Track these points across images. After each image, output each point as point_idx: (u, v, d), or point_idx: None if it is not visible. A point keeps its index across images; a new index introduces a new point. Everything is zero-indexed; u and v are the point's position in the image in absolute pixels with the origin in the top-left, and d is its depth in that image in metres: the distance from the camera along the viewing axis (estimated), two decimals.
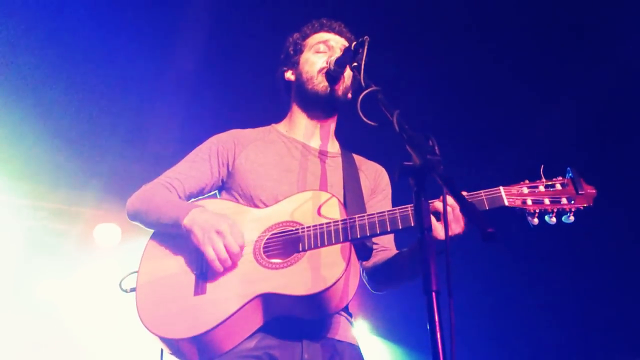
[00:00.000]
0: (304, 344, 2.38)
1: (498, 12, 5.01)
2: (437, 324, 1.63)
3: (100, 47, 5.23)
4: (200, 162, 2.75)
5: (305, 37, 2.93)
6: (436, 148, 1.82)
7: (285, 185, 2.62)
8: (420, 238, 1.74)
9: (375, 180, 2.87)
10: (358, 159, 2.90)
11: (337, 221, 2.40)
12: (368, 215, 2.40)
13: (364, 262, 2.67)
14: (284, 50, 2.98)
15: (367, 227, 2.37)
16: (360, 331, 7.96)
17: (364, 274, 2.69)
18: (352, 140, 2.95)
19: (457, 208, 2.27)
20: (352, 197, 2.62)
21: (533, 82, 5.42)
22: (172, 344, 2.36)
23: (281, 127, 2.92)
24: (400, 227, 2.36)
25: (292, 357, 2.36)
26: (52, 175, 6.08)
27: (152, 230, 2.65)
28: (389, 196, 2.87)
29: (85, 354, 6.16)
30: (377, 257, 2.67)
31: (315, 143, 2.83)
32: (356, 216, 2.41)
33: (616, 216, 5.56)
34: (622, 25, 5.00)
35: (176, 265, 2.47)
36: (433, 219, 2.25)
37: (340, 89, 2.79)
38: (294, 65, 2.90)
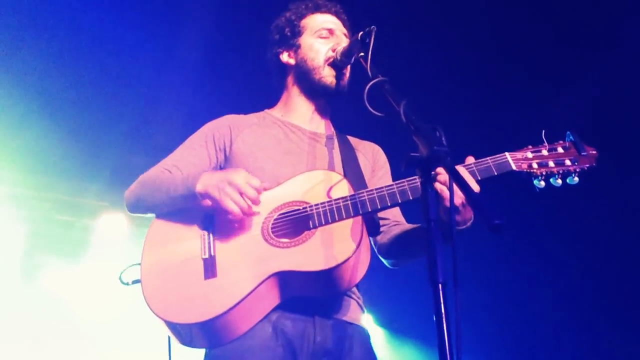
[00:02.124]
0: (316, 323, 2.38)
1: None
2: (443, 316, 1.63)
3: (105, 40, 5.23)
4: (197, 149, 2.72)
5: (302, 17, 2.86)
6: (443, 139, 1.81)
7: (286, 168, 2.60)
8: (427, 229, 1.74)
9: (374, 158, 2.87)
10: (353, 140, 2.88)
11: (346, 197, 2.38)
12: (376, 189, 2.40)
13: (377, 238, 2.68)
14: (277, 30, 2.90)
15: (377, 200, 2.36)
16: (366, 322, 7.96)
17: (380, 249, 2.68)
18: (344, 124, 2.93)
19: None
20: (353, 176, 2.61)
21: (538, 68, 5.42)
22: (186, 330, 2.34)
23: (275, 112, 2.88)
24: (410, 198, 2.35)
25: (303, 336, 2.35)
26: (57, 167, 6.08)
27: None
28: (389, 172, 2.87)
29: (90, 346, 6.18)
30: (392, 232, 2.65)
31: (311, 126, 2.81)
32: (364, 191, 2.40)
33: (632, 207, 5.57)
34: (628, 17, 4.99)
35: (181, 252, 2.44)
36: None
37: (346, 79, 2.77)
38: (293, 47, 2.84)
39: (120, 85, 5.53)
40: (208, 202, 2.39)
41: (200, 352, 2.49)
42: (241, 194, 2.34)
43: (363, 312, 2.64)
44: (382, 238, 2.67)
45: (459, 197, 2.22)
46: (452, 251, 1.67)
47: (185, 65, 5.49)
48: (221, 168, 2.71)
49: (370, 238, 2.60)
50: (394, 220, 2.71)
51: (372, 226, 2.54)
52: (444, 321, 1.62)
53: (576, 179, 2.36)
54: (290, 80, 2.87)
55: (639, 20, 4.95)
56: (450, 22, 5.10)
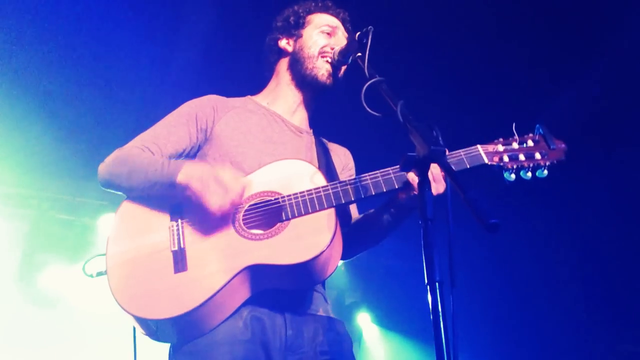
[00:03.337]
0: (286, 318, 2.37)
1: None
2: (440, 314, 1.64)
3: (105, 39, 5.23)
4: (178, 127, 2.65)
5: (309, 12, 2.88)
6: (440, 138, 1.83)
7: (267, 156, 2.57)
8: (424, 228, 1.75)
9: (346, 160, 2.90)
10: (326, 140, 2.90)
11: (319, 188, 2.37)
12: (349, 181, 2.39)
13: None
14: (282, 18, 2.92)
15: (351, 192, 2.36)
16: (363, 321, 7.99)
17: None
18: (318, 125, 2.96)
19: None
20: (329, 173, 2.61)
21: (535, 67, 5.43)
22: (155, 325, 2.28)
23: (260, 98, 2.87)
24: (384, 190, 2.36)
25: (275, 331, 2.34)
26: (57, 166, 6.09)
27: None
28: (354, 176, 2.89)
29: (88, 345, 6.19)
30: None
31: (294, 120, 2.80)
32: (338, 182, 2.39)
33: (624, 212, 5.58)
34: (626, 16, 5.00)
35: (148, 244, 2.36)
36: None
37: (338, 78, 2.79)
38: (293, 36, 2.86)
39: (120, 84, 5.54)
40: (187, 194, 2.31)
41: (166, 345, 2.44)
42: (226, 192, 2.29)
43: (327, 303, 2.61)
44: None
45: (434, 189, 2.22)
46: (449, 250, 1.68)
47: (185, 64, 5.49)
48: (199, 148, 2.66)
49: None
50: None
51: (344, 218, 2.52)
52: (441, 320, 1.63)
53: (545, 172, 2.40)
54: (282, 66, 2.87)
55: (639, 19, 4.96)
56: (449, 21, 5.11)
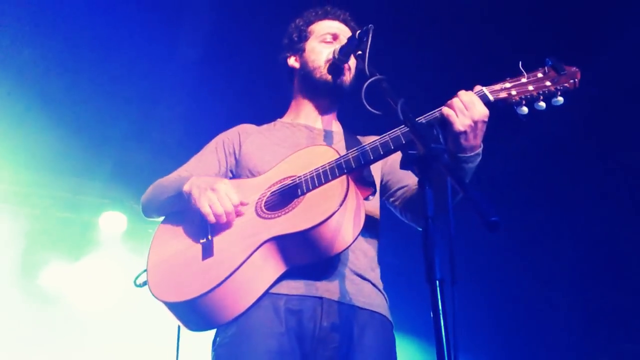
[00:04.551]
0: (324, 305, 2.34)
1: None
2: (440, 312, 1.64)
3: (106, 36, 5.22)
4: (207, 155, 2.81)
5: (310, 23, 2.92)
6: (440, 137, 1.83)
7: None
8: (424, 226, 1.75)
9: None
10: (361, 138, 2.86)
11: (332, 161, 2.40)
12: (358, 147, 2.41)
13: (399, 199, 2.66)
14: (287, 36, 2.97)
15: (360, 157, 2.37)
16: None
17: (400, 208, 2.66)
18: (352, 125, 2.95)
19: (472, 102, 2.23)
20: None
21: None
22: (186, 309, 2.34)
23: (286, 118, 2.94)
24: (392, 148, 2.33)
25: (309, 319, 2.32)
26: (58, 164, 6.09)
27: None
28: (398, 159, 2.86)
29: (90, 343, 6.19)
30: (410, 193, 2.63)
31: (319, 125, 2.85)
32: (349, 151, 2.41)
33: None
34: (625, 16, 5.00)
35: (183, 244, 2.51)
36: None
37: (347, 78, 2.79)
38: (298, 52, 2.89)
39: (121, 82, 5.53)
40: (190, 202, 2.46)
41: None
42: (219, 199, 2.39)
43: (385, 299, 2.58)
44: (406, 193, 2.64)
45: (467, 118, 2.20)
46: (449, 248, 1.68)
47: (186, 63, 5.49)
48: (232, 172, 2.78)
49: (387, 202, 2.69)
50: (414, 183, 2.66)
51: (364, 184, 2.44)
52: (442, 318, 1.63)
53: (560, 99, 2.23)
54: (296, 84, 2.94)
55: (638, 19, 4.95)
56: (447, 20, 5.11)
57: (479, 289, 6.30)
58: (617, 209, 5.84)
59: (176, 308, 2.37)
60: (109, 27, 5.18)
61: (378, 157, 2.36)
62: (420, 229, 2.56)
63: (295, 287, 2.35)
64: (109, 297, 6.33)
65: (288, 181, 2.46)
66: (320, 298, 2.34)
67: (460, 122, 2.20)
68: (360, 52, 2.43)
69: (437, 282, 1.67)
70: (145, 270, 2.54)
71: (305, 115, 2.87)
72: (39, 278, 6.27)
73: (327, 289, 2.37)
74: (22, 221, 6.28)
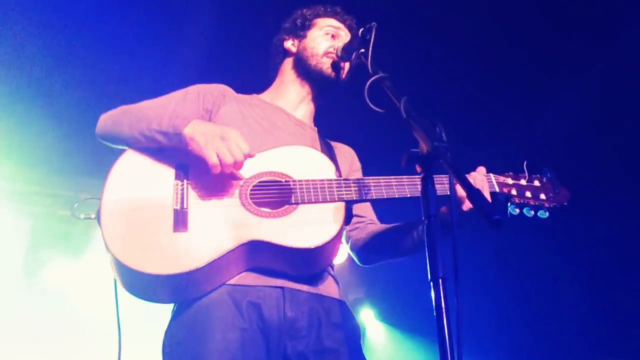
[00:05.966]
0: (286, 295, 2.32)
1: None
2: (443, 311, 1.64)
3: (107, 36, 5.23)
4: (188, 102, 2.63)
5: (317, 15, 2.94)
6: (444, 135, 1.83)
7: (271, 141, 2.58)
8: (427, 224, 1.75)
9: (352, 159, 2.92)
10: (333, 143, 2.91)
11: (332, 180, 2.40)
12: (361, 179, 2.43)
13: (351, 233, 2.72)
14: (290, 20, 2.98)
15: (362, 191, 2.39)
16: (367, 318, 8.00)
17: (355, 243, 2.71)
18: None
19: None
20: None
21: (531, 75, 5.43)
22: (144, 280, 2.22)
23: (264, 96, 2.90)
24: (395, 196, 2.40)
25: (272, 308, 2.29)
26: (59, 163, 6.10)
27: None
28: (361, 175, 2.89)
29: (92, 341, 6.19)
30: (370, 229, 2.69)
31: (297, 114, 2.83)
32: (352, 180, 2.43)
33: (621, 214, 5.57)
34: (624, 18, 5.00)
35: (150, 198, 2.31)
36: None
37: (341, 74, 2.82)
38: (298, 37, 2.91)
39: (122, 81, 5.53)
40: (191, 147, 2.29)
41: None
42: (229, 150, 2.25)
43: (339, 286, 2.58)
44: (359, 233, 2.70)
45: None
46: (452, 246, 1.68)
47: (187, 62, 5.49)
48: None
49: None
50: (370, 220, 2.76)
51: (348, 217, 2.49)
52: (445, 316, 1.63)
53: (547, 214, 2.56)
54: (286, 65, 2.92)
55: (639, 20, 4.95)
56: (451, 19, 5.11)
57: (482, 287, 6.29)
58: (625, 208, 5.83)
59: (130, 272, 2.22)
60: (110, 27, 5.18)
61: (379, 197, 2.42)
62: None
63: (255, 278, 2.32)
64: (111, 295, 6.32)
65: (281, 179, 2.41)
66: (282, 288, 2.33)
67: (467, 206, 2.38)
68: (363, 50, 2.43)
69: (440, 280, 1.67)
70: (89, 199, 2.41)
71: (285, 99, 2.84)
72: (41, 276, 6.27)
73: (291, 277, 2.36)
74: (24, 219, 6.29)
